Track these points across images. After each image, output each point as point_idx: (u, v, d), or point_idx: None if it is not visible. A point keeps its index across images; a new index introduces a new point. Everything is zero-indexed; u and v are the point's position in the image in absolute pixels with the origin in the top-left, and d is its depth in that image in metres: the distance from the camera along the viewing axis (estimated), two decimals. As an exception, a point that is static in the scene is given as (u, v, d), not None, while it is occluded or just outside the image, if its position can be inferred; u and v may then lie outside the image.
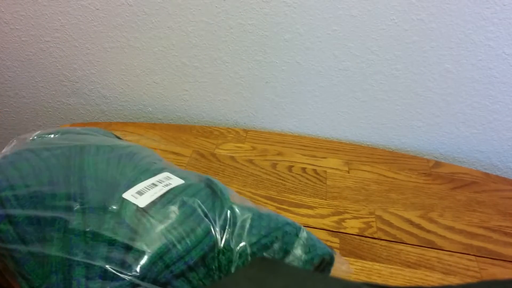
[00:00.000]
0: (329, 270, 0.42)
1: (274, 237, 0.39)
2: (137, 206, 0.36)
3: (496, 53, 0.60)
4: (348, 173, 0.65)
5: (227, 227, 0.38)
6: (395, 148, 0.74)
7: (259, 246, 0.38)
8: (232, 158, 0.66)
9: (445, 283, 0.48)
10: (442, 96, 0.66)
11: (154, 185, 0.39)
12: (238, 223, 0.39)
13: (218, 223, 0.38)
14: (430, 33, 0.61)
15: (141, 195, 0.37)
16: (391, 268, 0.49)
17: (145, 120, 0.82)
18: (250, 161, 0.66)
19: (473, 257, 0.51)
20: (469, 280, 0.48)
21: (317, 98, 0.71)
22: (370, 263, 0.49)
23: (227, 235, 0.37)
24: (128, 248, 0.33)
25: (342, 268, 0.42)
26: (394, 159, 0.68)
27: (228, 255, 0.37)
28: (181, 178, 0.42)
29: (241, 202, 0.42)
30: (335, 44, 0.64)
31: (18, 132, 0.91)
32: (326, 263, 0.41)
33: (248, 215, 0.40)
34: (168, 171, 0.42)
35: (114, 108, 0.82)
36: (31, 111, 0.86)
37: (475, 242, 0.53)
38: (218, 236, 0.37)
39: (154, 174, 0.41)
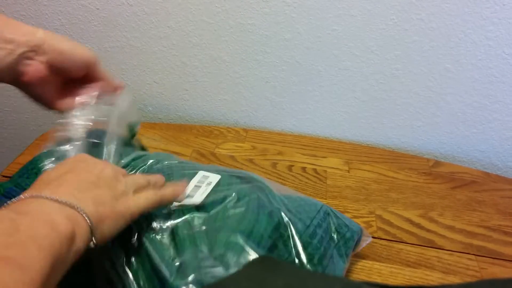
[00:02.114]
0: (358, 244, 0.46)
1: (320, 219, 0.42)
2: (195, 205, 0.39)
3: (496, 52, 0.60)
4: (348, 172, 0.65)
5: (283, 213, 0.40)
6: (395, 147, 0.75)
7: (313, 228, 0.41)
8: (232, 157, 0.66)
9: (445, 282, 0.48)
10: (442, 96, 0.67)
11: (198, 187, 0.41)
12: (293, 209, 0.41)
13: (280, 208, 0.40)
14: (430, 32, 0.61)
15: (192, 197, 0.40)
16: (391, 267, 0.49)
17: (145, 120, 0.82)
18: (250, 161, 0.66)
19: (473, 256, 0.51)
20: (469, 280, 0.48)
21: (317, 97, 0.71)
22: (370, 262, 0.49)
23: (289, 220, 0.40)
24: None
25: (367, 240, 0.47)
26: (394, 158, 0.68)
27: (295, 238, 0.39)
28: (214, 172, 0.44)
29: (276, 188, 0.45)
30: (335, 43, 0.64)
31: (18, 131, 0.91)
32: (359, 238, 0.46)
33: (293, 202, 0.43)
34: (200, 169, 0.44)
35: (114, 108, 0.82)
36: (31, 111, 0.86)
37: (475, 242, 0.53)
38: (285, 219, 0.39)
39: (191, 176, 0.43)
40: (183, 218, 0.37)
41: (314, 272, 0.35)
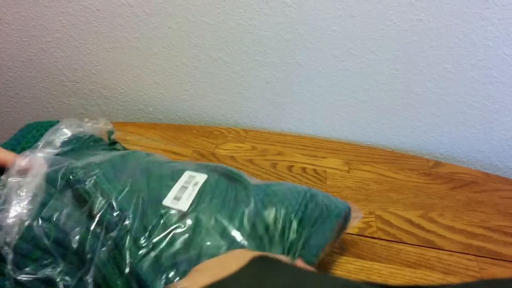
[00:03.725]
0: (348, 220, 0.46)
1: (305, 204, 0.43)
2: (180, 211, 0.38)
3: (496, 53, 0.60)
4: (348, 173, 0.65)
5: (267, 205, 0.41)
6: (395, 148, 0.75)
7: (301, 213, 0.42)
8: (232, 158, 0.66)
9: (445, 282, 0.48)
10: (442, 96, 0.67)
11: (184, 187, 0.41)
12: (275, 199, 0.42)
13: (258, 203, 0.41)
14: (430, 33, 0.61)
15: (178, 200, 0.39)
16: (391, 267, 0.49)
17: (145, 120, 0.82)
18: (250, 161, 0.66)
19: (473, 257, 0.51)
20: (469, 280, 0.48)
21: (317, 98, 0.71)
22: (370, 262, 0.50)
23: (276, 212, 0.41)
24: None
25: (357, 216, 0.47)
26: (394, 159, 0.68)
27: (287, 224, 0.40)
28: (198, 171, 0.44)
29: (255, 181, 0.46)
30: (335, 44, 0.64)
31: (18, 132, 0.91)
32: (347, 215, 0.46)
33: (276, 190, 0.44)
34: (187, 169, 0.44)
35: (114, 108, 0.82)
36: (32, 112, 0.86)
37: (475, 242, 0.53)
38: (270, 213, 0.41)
39: (178, 176, 0.43)
40: (165, 232, 0.37)
41: (313, 272, 0.35)
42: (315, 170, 0.65)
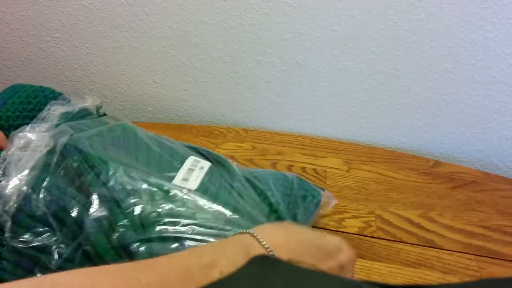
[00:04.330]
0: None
1: (290, 187, 0.47)
2: (190, 189, 0.41)
3: (496, 53, 0.60)
4: (348, 172, 0.65)
5: (254, 187, 0.45)
6: (395, 147, 0.75)
7: (287, 195, 0.46)
8: (232, 157, 0.66)
9: (445, 282, 0.48)
10: (442, 96, 0.67)
11: (191, 170, 0.44)
12: (269, 185, 0.46)
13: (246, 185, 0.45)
14: (430, 33, 0.61)
15: (187, 180, 0.42)
16: (390, 267, 0.49)
17: (145, 120, 0.82)
18: (250, 161, 0.66)
19: (472, 256, 0.51)
20: (468, 279, 0.48)
21: (317, 97, 0.71)
22: (370, 262, 0.50)
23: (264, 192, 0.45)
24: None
25: (331, 202, 0.50)
26: (394, 158, 0.69)
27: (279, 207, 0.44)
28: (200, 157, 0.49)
29: (241, 168, 0.49)
30: (335, 44, 0.64)
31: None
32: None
33: (264, 177, 0.47)
34: (191, 154, 0.48)
35: (114, 108, 0.82)
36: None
37: (475, 241, 0.53)
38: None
39: (183, 159, 0.46)
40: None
41: (314, 271, 0.35)
42: (315, 170, 0.65)
